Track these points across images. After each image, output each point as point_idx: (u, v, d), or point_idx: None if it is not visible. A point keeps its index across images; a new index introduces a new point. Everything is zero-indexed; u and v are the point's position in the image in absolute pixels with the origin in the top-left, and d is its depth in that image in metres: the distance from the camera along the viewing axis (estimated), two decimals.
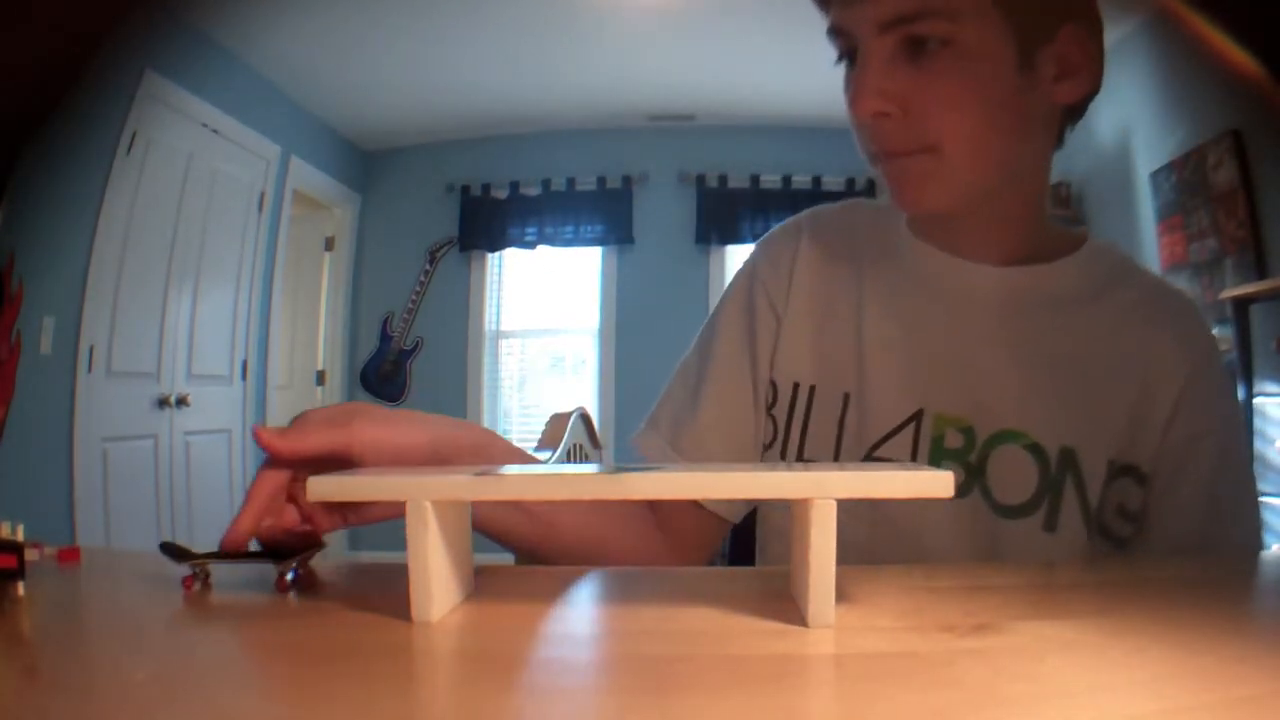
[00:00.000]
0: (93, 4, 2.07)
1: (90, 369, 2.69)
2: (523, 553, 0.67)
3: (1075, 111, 0.65)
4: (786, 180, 4.26)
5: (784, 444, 0.71)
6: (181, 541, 0.49)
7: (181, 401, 3.14)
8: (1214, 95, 2.65)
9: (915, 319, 0.68)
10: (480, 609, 0.42)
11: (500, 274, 4.56)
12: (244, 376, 3.57)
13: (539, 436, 2.40)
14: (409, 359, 4.45)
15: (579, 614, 0.44)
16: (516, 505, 0.63)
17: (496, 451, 0.61)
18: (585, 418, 2.58)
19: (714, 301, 0.78)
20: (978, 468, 0.64)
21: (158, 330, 3.05)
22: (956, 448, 0.65)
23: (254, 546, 0.50)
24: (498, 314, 4.55)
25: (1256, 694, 0.29)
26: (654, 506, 0.71)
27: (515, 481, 0.41)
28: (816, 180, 4.20)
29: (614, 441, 3.79)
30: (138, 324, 2.93)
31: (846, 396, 0.68)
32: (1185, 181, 2.82)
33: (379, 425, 0.53)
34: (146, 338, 3.00)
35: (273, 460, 0.51)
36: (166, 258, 3.06)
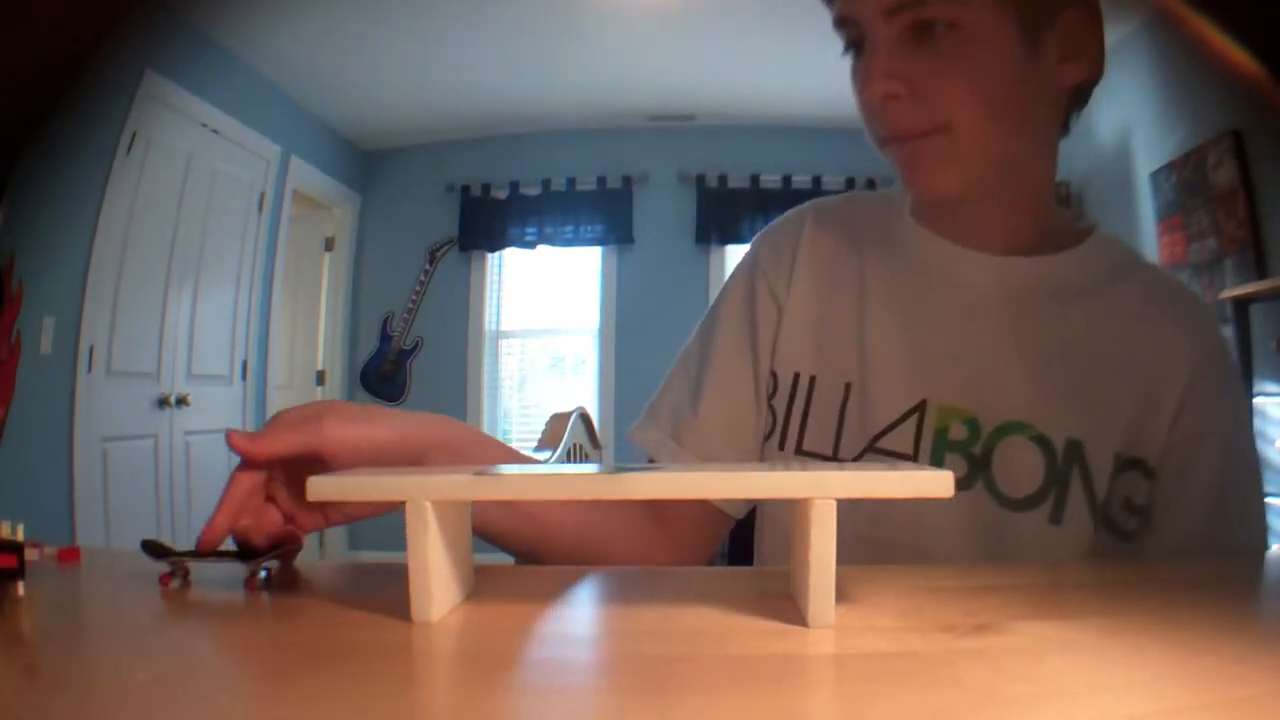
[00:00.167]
0: (93, 4, 2.07)
1: (90, 369, 2.69)
2: (519, 555, 0.66)
3: (1080, 97, 0.65)
4: (786, 180, 4.26)
5: (783, 434, 0.70)
6: (180, 542, 0.49)
7: (181, 401, 3.14)
8: (1214, 95, 2.65)
9: (918, 309, 0.68)
10: (480, 609, 0.42)
11: (500, 274, 4.56)
12: (244, 376, 3.57)
13: (539, 436, 2.41)
14: (409, 359, 4.45)
15: (579, 614, 0.44)
16: (511, 507, 0.62)
17: (475, 447, 0.61)
18: (585, 418, 2.58)
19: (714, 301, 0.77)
20: (982, 460, 0.64)
21: (158, 330, 3.05)
22: (960, 439, 0.64)
23: (232, 546, 0.50)
24: (498, 314, 4.55)
25: (1256, 694, 0.29)
26: (654, 504, 0.71)
27: (515, 481, 0.41)
28: (816, 180, 4.20)
29: (614, 441, 3.79)
30: (138, 324, 2.93)
31: (848, 387, 0.68)
32: (1185, 181, 2.82)
33: (349, 424, 0.53)
34: (146, 338, 3.00)
35: (245, 463, 0.52)
36: (166, 258, 3.06)
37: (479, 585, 0.45)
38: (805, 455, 0.69)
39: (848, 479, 0.38)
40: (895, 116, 0.60)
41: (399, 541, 0.39)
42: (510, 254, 4.52)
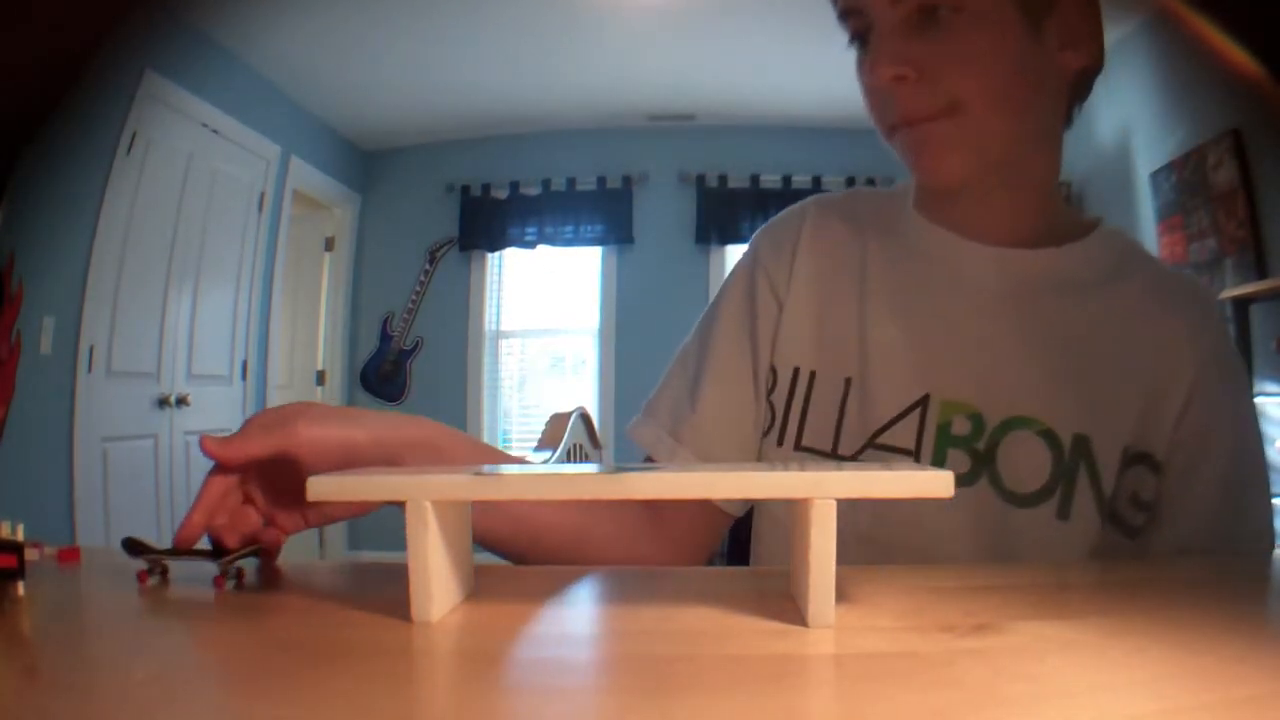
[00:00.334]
0: (93, 4, 2.07)
1: (90, 369, 2.69)
2: (508, 557, 0.66)
3: (1081, 89, 0.65)
4: (786, 180, 4.26)
5: (782, 430, 0.69)
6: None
7: (181, 401, 3.14)
8: (1214, 95, 2.65)
9: (921, 302, 0.67)
10: (480, 609, 0.42)
11: (500, 274, 4.56)
12: (244, 376, 3.57)
13: (539, 436, 2.41)
14: (409, 359, 4.45)
15: (579, 614, 0.44)
16: (497, 508, 0.62)
17: (453, 445, 0.60)
18: (585, 418, 2.58)
19: None
20: (986, 455, 0.63)
21: (158, 330, 3.05)
22: (963, 434, 0.64)
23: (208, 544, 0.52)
24: (498, 314, 4.55)
25: (1256, 694, 0.29)
26: (652, 503, 0.70)
27: (515, 481, 0.41)
28: (816, 180, 4.19)
29: (614, 441, 3.79)
30: (138, 324, 2.93)
31: (848, 382, 0.67)
32: (1185, 181, 2.82)
33: (321, 426, 0.53)
34: (146, 338, 3.00)
35: (218, 466, 0.53)
36: (166, 258, 3.06)
37: (479, 585, 0.45)
38: (804, 451, 0.68)
39: (848, 479, 0.38)
40: (904, 99, 0.60)
41: (399, 541, 0.39)
42: (510, 254, 4.52)
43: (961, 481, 0.62)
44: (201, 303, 3.26)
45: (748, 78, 3.72)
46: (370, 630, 0.38)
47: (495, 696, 0.31)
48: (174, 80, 2.91)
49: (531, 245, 4.47)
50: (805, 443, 0.68)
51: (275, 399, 3.79)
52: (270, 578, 0.50)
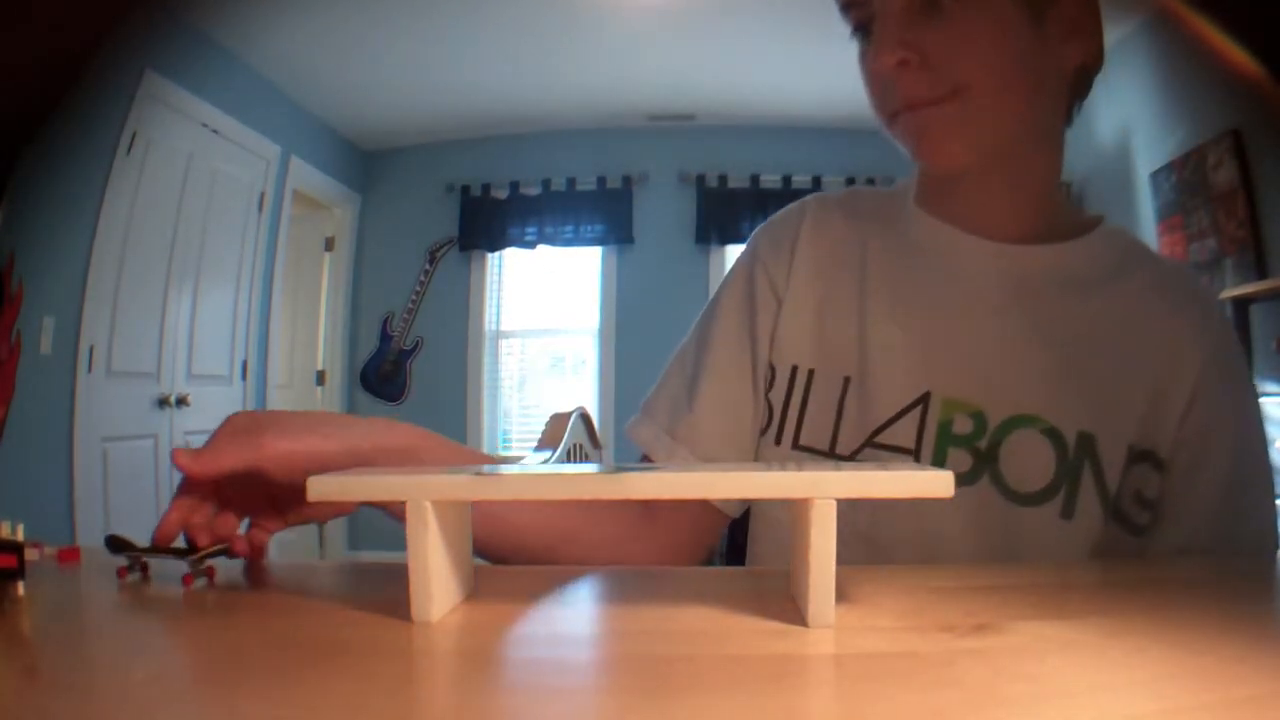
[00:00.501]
0: (93, 4, 2.07)
1: (90, 369, 2.69)
2: (489, 559, 0.64)
3: (1081, 86, 0.65)
4: (786, 180, 4.26)
5: (780, 428, 0.69)
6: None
7: (181, 401, 3.14)
8: (1214, 95, 2.65)
9: (922, 298, 0.67)
10: (480, 609, 0.42)
11: (500, 274, 4.56)
12: (244, 376, 3.57)
13: (539, 436, 2.40)
14: (409, 359, 4.45)
15: (579, 614, 0.44)
16: (476, 509, 0.61)
17: (430, 449, 0.60)
18: (585, 418, 2.58)
19: None
20: (988, 454, 0.63)
21: (158, 330, 3.05)
22: (965, 433, 0.63)
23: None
24: (498, 314, 4.55)
25: (1256, 694, 0.29)
26: (647, 502, 0.69)
27: (515, 481, 0.41)
28: (816, 180, 4.19)
29: (614, 441, 3.79)
30: (138, 324, 2.93)
31: (847, 380, 0.67)
32: (1185, 181, 2.82)
33: (289, 438, 0.53)
34: (146, 338, 3.00)
35: (189, 480, 0.53)
36: (166, 258, 3.06)
37: (479, 585, 0.45)
38: (802, 450, 0.68)
39: (847, 479, 0.38)
40: (907, 84, 0.61)
41: (399, 541, 0.39)
42: (510, 254, 4.52)
43: (963, 480, 0.62)
44: (201, 303, 3.26)
45: (748, 78, 3.72)
46: (370, 630, 0.38)
47: (495, 696, 0.31)
48: (174, 80, 2.91)
49: (531, 245, 4.47)
50: (803, 441, 0.68)
51: (275, 399, 3.79)
52: (258, 577, 0.51)
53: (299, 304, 4.29)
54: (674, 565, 0.69)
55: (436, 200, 4.47)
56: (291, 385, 4.22)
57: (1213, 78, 2.57)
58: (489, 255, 4.51)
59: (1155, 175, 2.99)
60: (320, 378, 4.40)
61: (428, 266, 4.48)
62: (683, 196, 4.36)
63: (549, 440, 2.31)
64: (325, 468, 0.52)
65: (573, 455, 2.37)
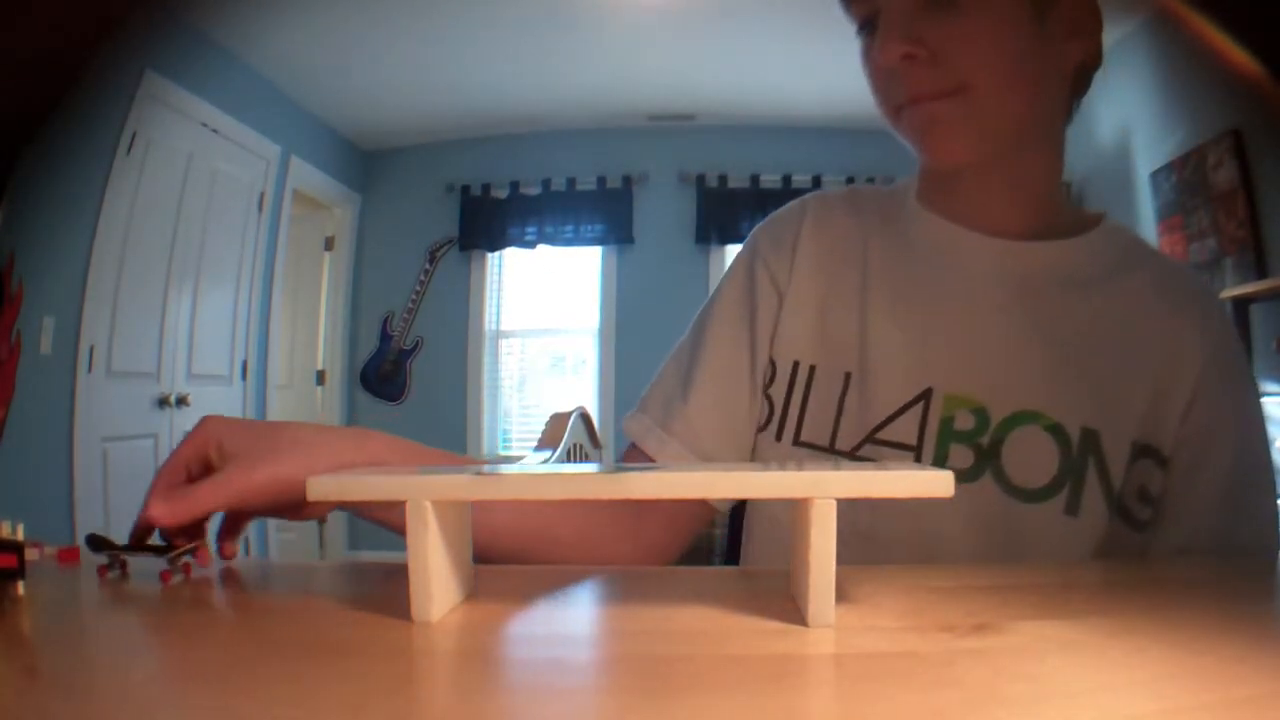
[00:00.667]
0: (93, 4, 2.07)
1: (90, 369, 2.69)
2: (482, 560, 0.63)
3: (1081, 84, 0.66)
4: (786, 180, 4.26)
5: (780, 425, 0.69)
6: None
7: (181, 401, 3.14)
8: (1214, 95, 2.65)
9: (923, 294, 0.67)
10: (480, 609, 0.42)
11: (500, 274, 4.56)
12: (244, 376, 3.57)
13: (539, 436, 2.40)
14: (409, 359, 4.45)
15: (579, 614, 0.44)
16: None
17: (404, 459, 0.57)
18: (585, 417, 2.58)
19: None
20: (990, 450, 0.63)
21: (158, 330, 3.05)
22: (967, 429, 0.63)
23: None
24: (498, 314, 4.55)
25: (1256, 694, 0.29)
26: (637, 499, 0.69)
27: (515, 481, 0.41)
28: (816, 180, 4.20)
29: (614, 441, 3.79)
30: (138, 324, 2.93)
31: (848, 376, 0.67)
32: (1185, 181, 2.82)
33: (251, 470, 0.50)
34: (146, 338, 3.00)
35: (166, 464, 0.52)
36: (166, 258, 3.06)
37: (479, 585, 0.45)
38: (803, 446, 0.68)
39: (848, 479, 0.38)
40: (912, 78, 0.61)
41: (399, 541, 0.39)
42: (510, 254, 4.52)
43: (964, 477, 0.62)
44: (201, 303, 3.26)
45: (748, 78, 3.72)
46: (370, 630, 0.38)
47: (495, 696, 0.31)
48: (174, 80, 2.91)
49: (531, 245, 4.47)
50: (804, 438, 0.68)
51: (275, 399, 3.79)
52: (258, 578, 0.51)
53: (299, 304, 4.29)
54: (656, 559, 0.69)
55: (436, 200, 4.47)
56: (291, 385, 4.22)
57: (1213, 78, 2.57)
58: (489, 255, 4.51)
59: (1155, 175, 2.99)
60: (320, 377, 4.40)
61: (428, 266, 4.48)
62: (683, 196, 4.36)
63: (549, 440, 2.31)
64: (287, 490, 0.50)
65: (573, 455, 2.37)
